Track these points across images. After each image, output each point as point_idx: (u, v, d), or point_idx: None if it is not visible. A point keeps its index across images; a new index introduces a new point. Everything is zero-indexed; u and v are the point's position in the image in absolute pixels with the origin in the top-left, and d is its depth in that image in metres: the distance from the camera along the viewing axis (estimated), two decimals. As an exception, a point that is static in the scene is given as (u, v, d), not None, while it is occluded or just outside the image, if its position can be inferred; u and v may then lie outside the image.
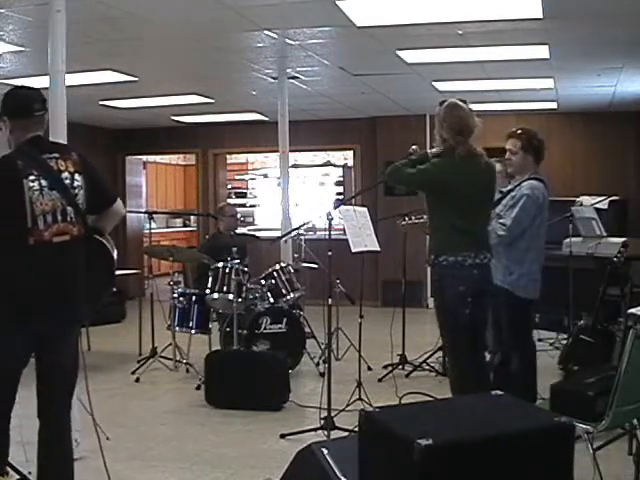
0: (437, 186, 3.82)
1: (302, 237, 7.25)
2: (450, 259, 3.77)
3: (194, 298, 6.34)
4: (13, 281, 2.88)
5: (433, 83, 7.79)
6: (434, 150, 3.99)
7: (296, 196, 10.91)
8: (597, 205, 7.19)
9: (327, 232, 4.68)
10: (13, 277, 2.87)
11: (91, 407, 3.48)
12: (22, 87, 3.16)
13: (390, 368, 6.20)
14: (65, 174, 2.97)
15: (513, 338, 4.32)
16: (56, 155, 2.99)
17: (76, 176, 3.00)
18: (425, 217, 4.62)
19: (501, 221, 4.19)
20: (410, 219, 4.63)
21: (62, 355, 3.04)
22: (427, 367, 6.22)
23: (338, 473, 2.43)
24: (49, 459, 3.06)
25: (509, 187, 4.41)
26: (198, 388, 5.72)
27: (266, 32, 5.58)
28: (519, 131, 4.35)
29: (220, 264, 6.09)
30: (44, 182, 2.88)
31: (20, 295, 2.87)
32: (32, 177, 2.86)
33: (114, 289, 3.65)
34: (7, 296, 2.88)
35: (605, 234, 6.63)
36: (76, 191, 3.00)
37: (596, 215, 6.75)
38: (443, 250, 3.80)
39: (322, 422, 4.57)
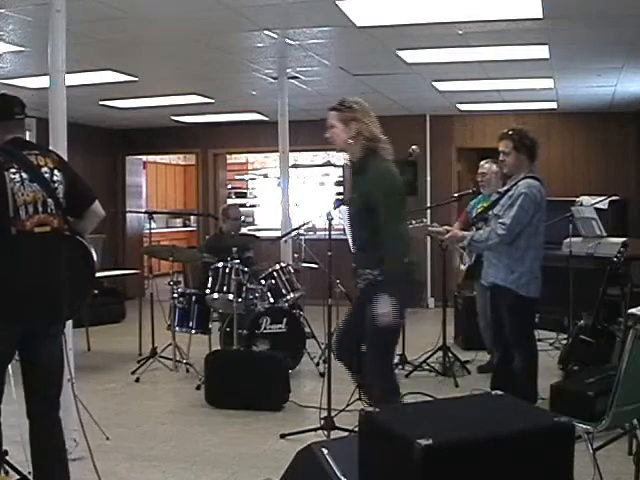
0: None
1: (302, 237, 7.24)
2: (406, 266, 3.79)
3: (194, 298, 6.33)
4: None
5: (433, 83, 7.79)
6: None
7: (296, 196, 10.91)
8: (597, 205, 7.19)
9: (327, 232, 4.67)
10: None
11: (84, 407, 3.47)
12: (3, 94, 3.33)
13: (390, 368, 6.19)
14: (45, 169, 3.08)
15: (516, 337, 4.30)
16: (36, 152, 3.11)
17: (55, 172, 3.11)
18: (425, 220, 4.62)
19: (500, 220, 4.20)
20: (411, 223, 4.64)
21: (46, 354, 3.07)
22: (427, 367, 6.21)
23: (338, 473, 2.42)
24: (42, 458, 3.08)
25: (505, 187, 4.42)
26: (198, 388, 5.71)
27: (266, 32, 5.58)
28: (510, 132, 4.35)
29: (220, 264, 6.10)
30: (25, 175, 2.99)
31: (2, 287, 2.90)
32: (13, 170, 2.96)
33: (95, 291, 3.71)
34: None
35: (605, 234, 6.63)
36: (56, 185, 3.10)
37: (596, 215, 6.76)
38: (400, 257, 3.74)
39: (322, 422, 4.57)
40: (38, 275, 2.97)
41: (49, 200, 3.04)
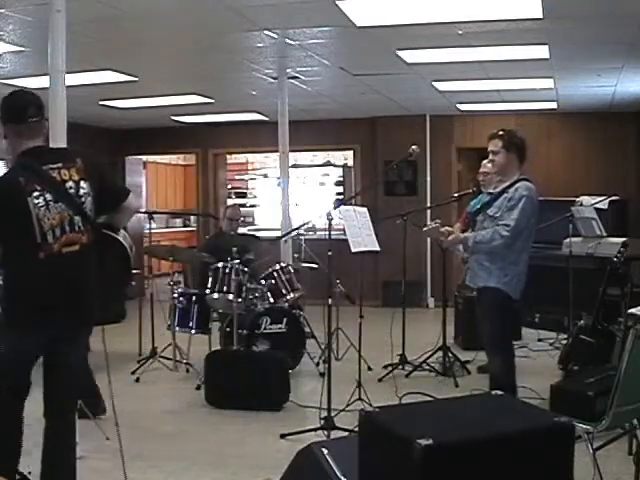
0: None
1: (302, 237, 7.25)
2: None
3: (194, 298, 6.34)
4: (26, 291, 2.90)
5: (433, 83, 7.79)
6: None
7: (296, 196, 10.90)
8: (597, 205, 7.18)
9: (327, 232, 4.68)
10: (25, 288, 2.90)
11: (114, 406, 3.47)
12: (19, 91, 3.10)
13: (390, 368, 6.20)
14: (69, 183, 2.94)
15: (498, 339, 4.27)
16: (59, 165, 2.94)
17: (82, 184, 2.97)
18: (439, 221, 4.62)
19: (503, 222, 4.14)
20: (429, 225, 4.65)
21: (71, 356, 3.08)
22: (427, 367, 6.22)
23: (338, 473, 2.42)
24: (53, 458, 3.07)
25: (498, 189, 4.36)
26: (198, 388, 5.71)
27: (266, 32, 5.58)
28: (500, 132, 4.33)
29: (220, 264, 6.10)
30: (49, 196, 2.85)
31: (33, 304, 2.89)
32: (36, 193, 2.83)
33: (132, 282, 3.65)
34: (21, 304, 2.90)
35: (605, 234, 6.63)
36: (82, 199, 2.97)
37: (596, 215, 6.75)
38: None
39: (322, 422, 4.57)
40: (66, 291, 2.93)
41: (76, 218, 2.94)
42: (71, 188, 2.94)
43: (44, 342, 2.97)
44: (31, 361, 3.04)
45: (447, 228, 4.56)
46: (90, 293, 3.03)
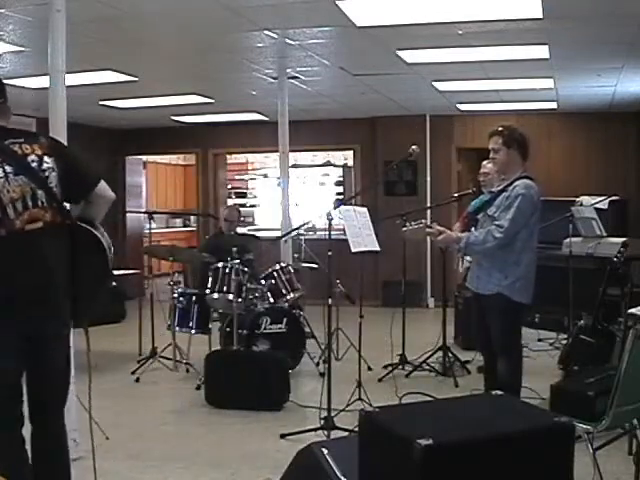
0: None
1: (302, 237, 7.25)
2: None
3: (194, 298, 6.34)
4: None
5: (433, 83, 7.79)
6: None
7: (296, 196, 10.91)
8: (597, 205, 7.19)
9: (327, 232, 4.68)
10: None
11: (84, 407, 3.44)
12: None
13: (390, 368, 6.20)
14: (32, 157, 2.78)
15: (503, 344, 4.15)
16: (20, 140, 2.81)
17: (45, 158, 2.82)
18: (424, 221, 4.53)
19: (498, 223, 4.04)
20: (410, 225, 4.52)
21: (53, 355, 2.91)
22: (427, 367, 6.22)
23: (338, 473, 2.43)
24: (45, 464, 2.93)
25: (499, 187, 4.27)
26: (198, 388, 5.71)
27: (266, 32, 5.58)
28: (500, 128, 4.22)
29: (220, 264, 6.10)
30: (8, 168, 2.71)
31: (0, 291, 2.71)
32: None
33: (113, 284, 3.43)
34: None
35: (605, 234, 6.63)
36: (46, 174, 2.81)
37: (596, 215, 6.75)
38: None
39: (322, 422, 4.57)
40: (33, 276, 2.74)
41: (39, 192, 2.76)
42: (33, 162, 2.78)
43: (22, 341, 2.75)
44: (12, 370, 2.76)
45: (437, 227, 4.38)
46: (63, 282, 2.82)
